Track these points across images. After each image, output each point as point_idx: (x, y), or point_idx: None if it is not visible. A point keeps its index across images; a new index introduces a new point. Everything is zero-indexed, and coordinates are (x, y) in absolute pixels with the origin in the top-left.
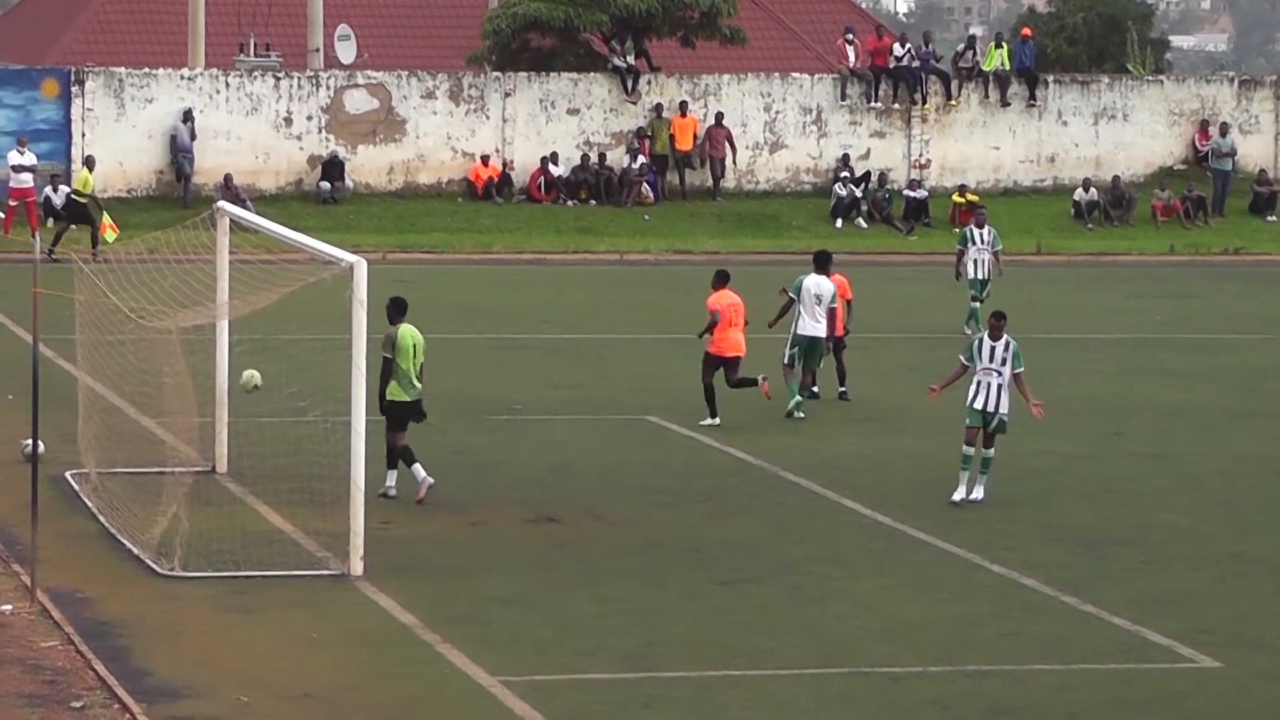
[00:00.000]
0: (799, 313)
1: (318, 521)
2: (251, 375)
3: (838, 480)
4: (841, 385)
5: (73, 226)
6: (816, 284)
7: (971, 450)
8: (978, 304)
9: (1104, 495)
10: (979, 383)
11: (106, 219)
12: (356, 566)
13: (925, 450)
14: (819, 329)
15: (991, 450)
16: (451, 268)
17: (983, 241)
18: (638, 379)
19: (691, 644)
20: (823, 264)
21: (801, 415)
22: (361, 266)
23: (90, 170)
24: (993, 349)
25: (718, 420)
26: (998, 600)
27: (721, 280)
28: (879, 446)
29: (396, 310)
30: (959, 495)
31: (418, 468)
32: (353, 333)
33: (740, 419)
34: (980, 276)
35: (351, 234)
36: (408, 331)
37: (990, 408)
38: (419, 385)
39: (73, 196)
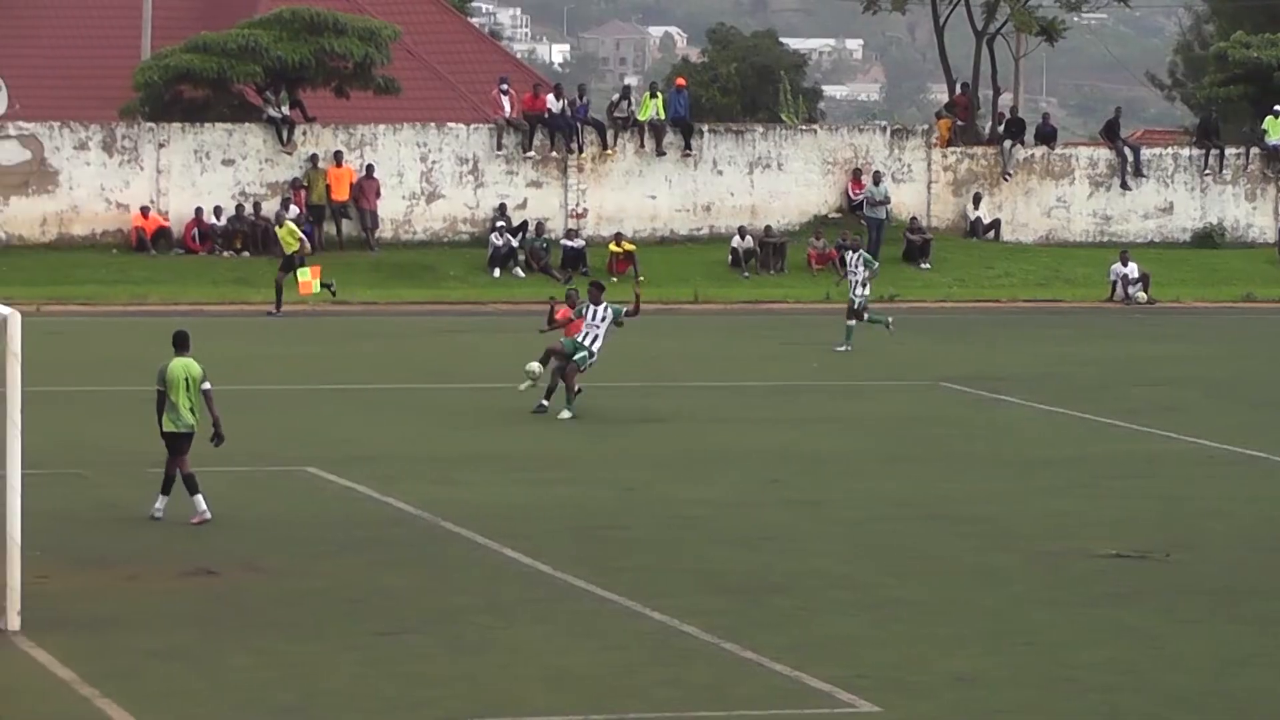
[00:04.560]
0: None
1: None
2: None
3: (497, 529)
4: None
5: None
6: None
7: None
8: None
9: (761, 542)
10: None
11: (305, 274)
12: (13, 621)
13: (583, 499)
14: None
15: None
16: (106, 320)
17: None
18: (297, 430)
19: (350, 696)
20: None
21: None
22: (15, 319)
23: (280, 225)
24: None
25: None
26: (657, 647)
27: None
28: (538, 495)
29: (174, 344)
30: None
31: (199, 499)
32: (7, 386)
33: (399, 469)
34: None
35: (4, 286)
36: (178, 364)
37: None
38: (191, 419)
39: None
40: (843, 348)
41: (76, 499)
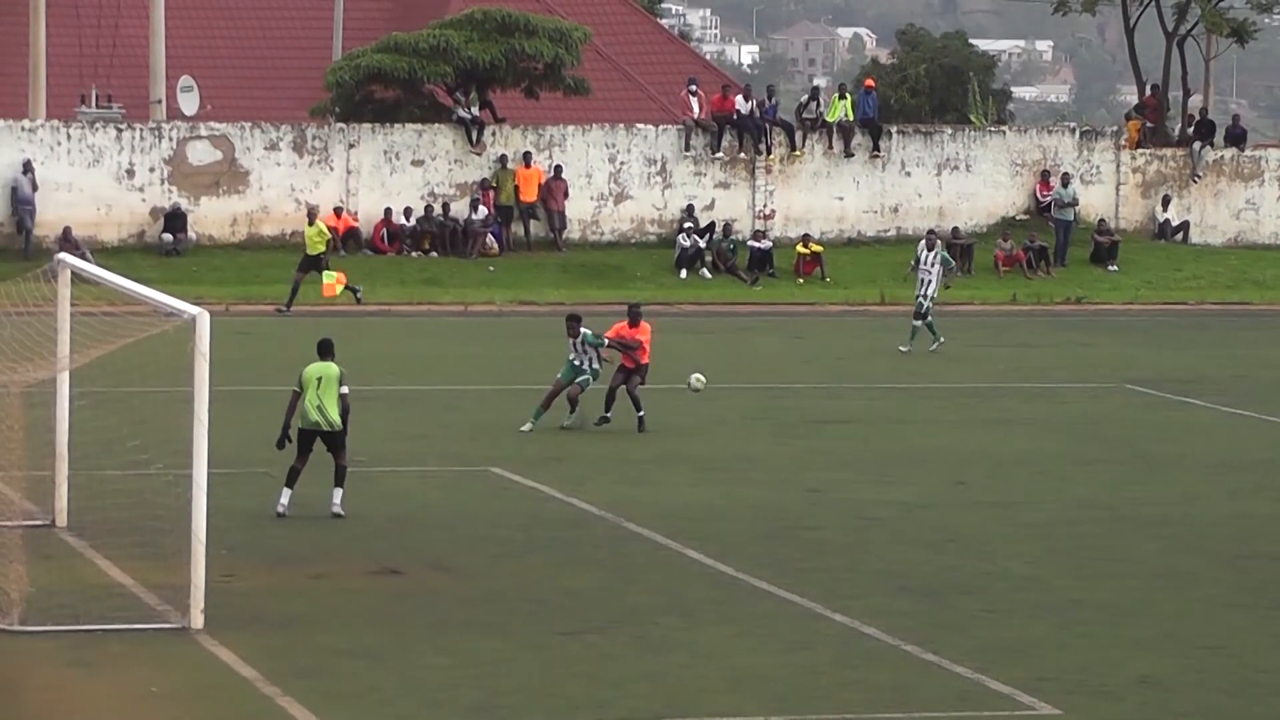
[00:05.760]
0: None
1: (159, 575)
2: (698, 380)
3: (681, 530)
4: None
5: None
6: None
7: None
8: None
9: (946, 544)
10: None
11: (330, 276)
12: (197, 620)
13: (768, 500)
14: None
15: None
16: (295, 319)
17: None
18: (482, 430)
19: (535, 695)
20: None
21: None
22: (204, 319)
23: (311, 223)
24: None
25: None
26: (840, 649)
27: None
28: (722, 496)
29: (317, 349)
30: None
31: (338, 492)
32: (195, 385)
33: (584, 470)
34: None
35: (194, 286)
36: (316, 366)
37: None
38: (316, 416)
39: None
40: (906, 348)
41: (263, 498)
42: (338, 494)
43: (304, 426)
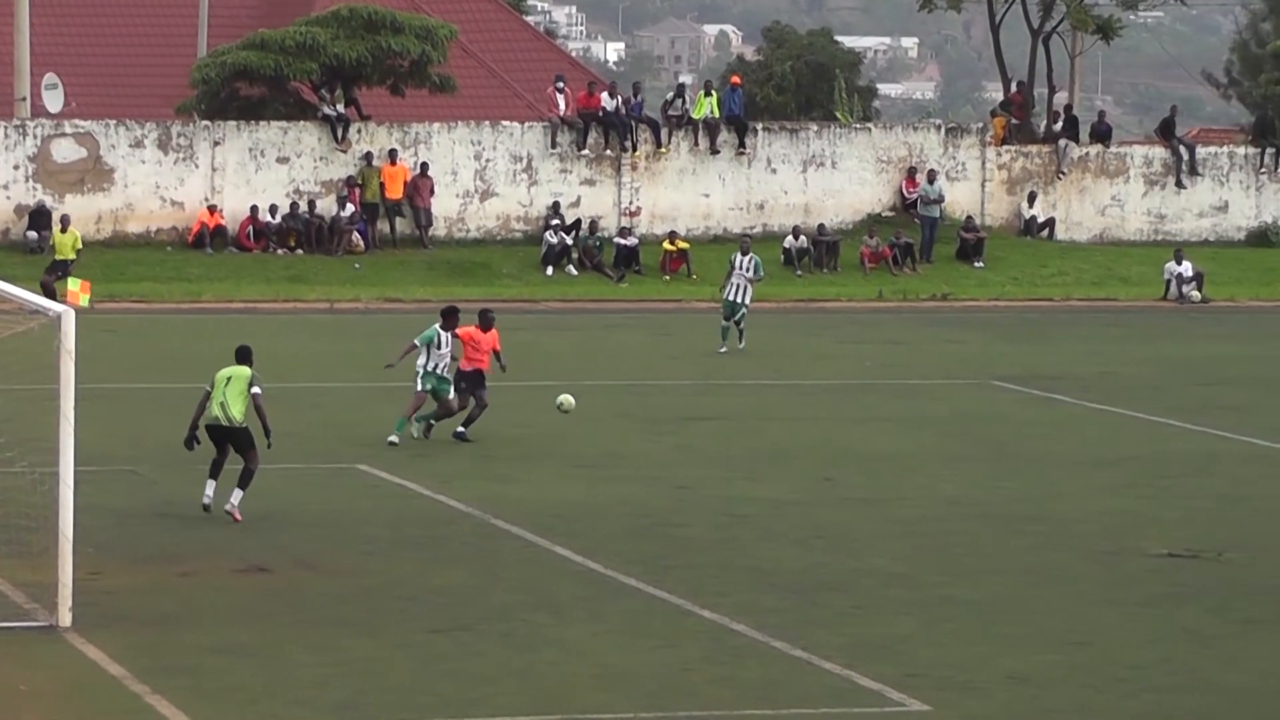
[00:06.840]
0: None
1: (25, 573)
2: (567, 401)
3: (550, 528)
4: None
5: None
6: None
7: None
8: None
9: (815, 540)
10: None
11: (75, 284)
12: (65, 618)
13: (637, 497)
14: None
15: None
16: (161, 317)
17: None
18: (349, 428)
19: (404, 693)
20: None
21: None
22: (69, 316)
23: (64, 230)
24: None
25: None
26: (709, 646)
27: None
28: (590, 493)
29: (235, 355)
30: None
31: (237, 493)
32: (60, 383)
33: (451, 468)
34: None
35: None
36: (225, 370)
37: None
38: (217, 412)
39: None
40: (723, 349)
41: (130, 496)
42: (237, 494)
43: (208, 423)
